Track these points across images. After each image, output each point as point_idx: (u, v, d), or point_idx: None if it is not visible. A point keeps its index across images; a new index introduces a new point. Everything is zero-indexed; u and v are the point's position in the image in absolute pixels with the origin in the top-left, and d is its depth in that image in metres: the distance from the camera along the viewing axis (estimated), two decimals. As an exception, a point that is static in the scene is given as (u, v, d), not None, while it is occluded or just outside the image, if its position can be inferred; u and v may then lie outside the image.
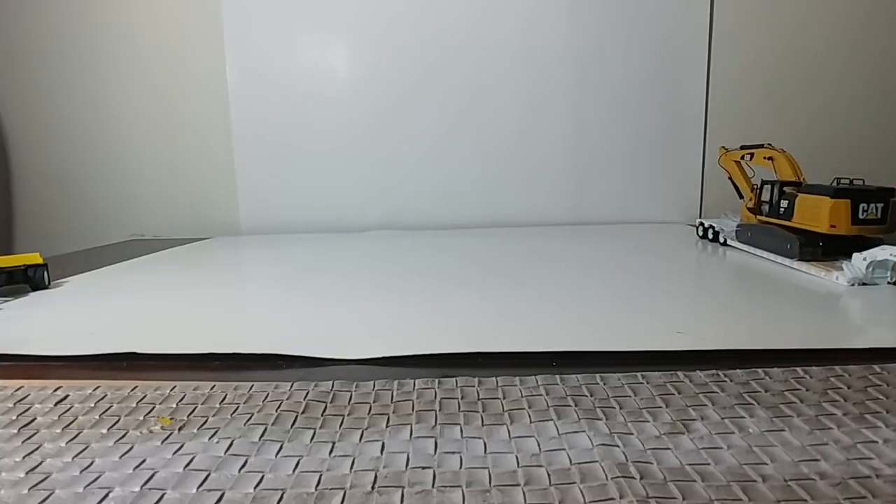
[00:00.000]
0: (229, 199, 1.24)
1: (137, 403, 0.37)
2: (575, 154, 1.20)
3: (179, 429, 0.34)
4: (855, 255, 0.65)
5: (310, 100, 1.20)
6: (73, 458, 0.30)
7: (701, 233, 0.97)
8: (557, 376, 0.39)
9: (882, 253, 0.63)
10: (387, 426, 0.33)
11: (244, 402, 0.37)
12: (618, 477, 0.27)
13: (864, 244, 0.67)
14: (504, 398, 0.36)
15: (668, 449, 0.30)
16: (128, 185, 1.26)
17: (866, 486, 0.26)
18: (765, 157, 0.86)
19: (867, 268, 0.63)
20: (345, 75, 1.20)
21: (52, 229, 1.29)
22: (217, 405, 0.37)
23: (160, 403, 0.37)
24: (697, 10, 1.15)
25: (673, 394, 0.36)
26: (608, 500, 0.25)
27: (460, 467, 0.29)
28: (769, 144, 0.87)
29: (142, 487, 0.27)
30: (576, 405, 0.35)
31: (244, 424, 0.34)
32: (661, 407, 0.35)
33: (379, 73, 1.19)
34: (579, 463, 0.28)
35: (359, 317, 0.57)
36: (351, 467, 0.29)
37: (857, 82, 1.17)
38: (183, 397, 0.38)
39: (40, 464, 0.30)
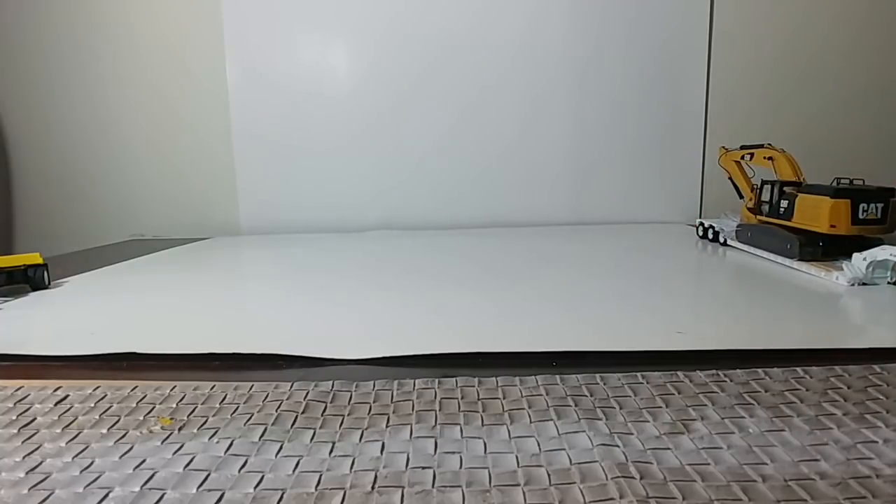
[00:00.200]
0: (229, 199, 1.24)
1: (137, 403, 0.37)
2: (575, 154, 1.20)
3: (179, 429, 0.34)
4: (855, 255, 0.65)
5: (310, 100, 1.20)
6: (73, 458, 0.30)
7: (701, 233, 0.97)
8: (557, 376, 0.39)
9: (882, 253, 0.63)
10: (387, 426, 0.33)
11: (244, 402, 0.37)
12: (618, 477, 0.27)
13: (864, 244, 0.67)
14: (504, 398, 0.36)
15: (668, 449, 0.30)
16: (128, 185, 1.26)
17: (866, 486, 0.26)
18: (765, 157, 0.86)
19: (867, 268, 0.63)
20: (345, 75, 1.20)
21: (52, 229, 1.29)
22: (217, 405, 0.37)
23: (160, 403, 0.37)
24: (697, 10, 1.15)
25: (673, 394, 0.36)
26: (608, 500, 0.25)
27: (460, 467, 0.29)
28: (769, 144, 0.87)
29: (142, 487, 0.27)
30: (576, 405, 0.35)
31: (244, 424, 0.34)
32: (661, 407, 0.35)
33: (379, 72, 1.19)
34: (579, 463, 0.28)
35: (359, 317, 0.57)
36: (351, 467, 0.29)
37: (857, 82, 1.17)
38: (183, 397, 0.38)
39: (40, 464, 0.30)
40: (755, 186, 0.87)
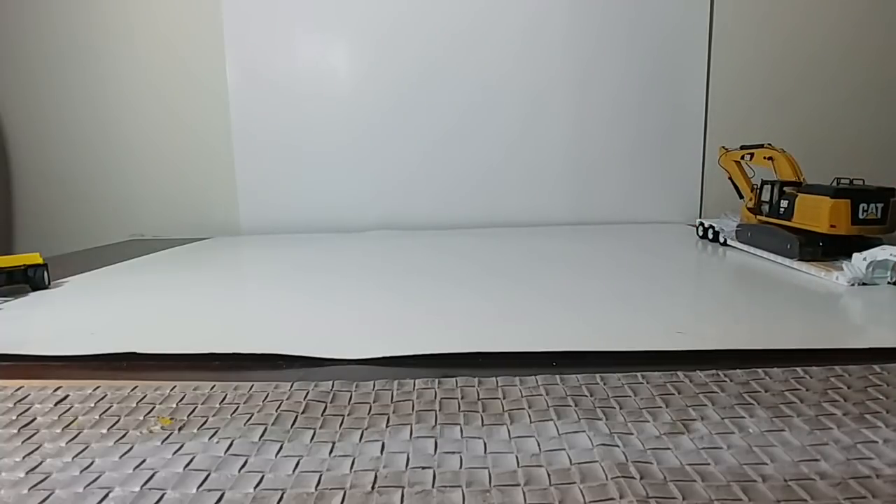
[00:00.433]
0: (229, 199, 1.24)
1: (137, 403, 0.37)
2: (575, 154, 1.20)
3: (179, 429, 0.34)
4: (855, 255, 0.65)
5: (310, 100, 1.20)
6: (73, 458, 0.30)
7: (701, 233, 0.97)
8: (557, 376, 0.39)
9: (882, 253, 0.63)
10: (387, 426, 0.33)
11: (244, 402, 0.37)
12: (618, 477, 0.27)
13: (864, 244, 0.67)
14: (504, 398, 0.36)
15: (668, 449, 0.30)
16: (128, 185, 1.26)
17: (866, 486, 0.26)
18: (765, 157, 0.86)
19: (867, 268, 0.63)
20: (345, 75, 1.20)
21: (52, 229, 1.29)
22: (217, 405, 0.37)
23: (160, 403, 0.37)
24: (697, 9, 1.15)
25: (673, 394, 0.36)
26: (608, 500, 0.25)
27: (460, 467, 0.29)
28: (769, 144, 0.87)
29: (142, 487, 0.27)
30: (576, 405, 0.35)
31: (244, 424, 0.34)
32: (661, 407, 0.35)
33: (379, 73, 1.19)
34: (579, 463, 0.28)
35: (359, 317, 0.57)
36: (351, 467, 0.29)
37: (857, 82, 1.17)
38: (183, 397, 0.38)
39: (40, 464, 0.30)
40: (755, 186, 0.87)
